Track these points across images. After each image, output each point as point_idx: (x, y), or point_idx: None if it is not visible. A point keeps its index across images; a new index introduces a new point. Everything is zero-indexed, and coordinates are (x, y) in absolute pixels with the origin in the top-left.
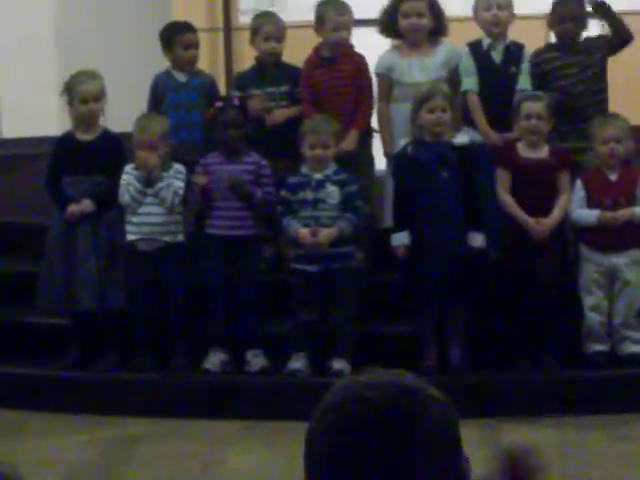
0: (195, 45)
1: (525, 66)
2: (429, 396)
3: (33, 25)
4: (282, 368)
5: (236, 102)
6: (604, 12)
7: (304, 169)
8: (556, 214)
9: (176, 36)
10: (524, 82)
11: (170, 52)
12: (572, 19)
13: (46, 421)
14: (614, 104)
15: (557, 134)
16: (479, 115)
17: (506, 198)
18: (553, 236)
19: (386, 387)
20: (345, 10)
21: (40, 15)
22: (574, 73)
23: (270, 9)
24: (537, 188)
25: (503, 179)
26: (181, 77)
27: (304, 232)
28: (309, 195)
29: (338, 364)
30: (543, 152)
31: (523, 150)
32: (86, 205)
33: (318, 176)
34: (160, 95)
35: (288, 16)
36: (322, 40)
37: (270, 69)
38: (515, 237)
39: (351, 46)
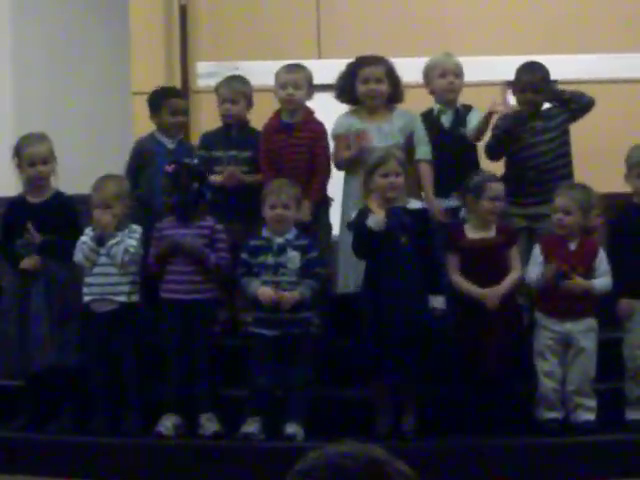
0: (183, 111)
1: (474, 115)
2: (398, 470)
3: None
4: (235, 432)
5: (169, 169)
6: (564, 100)
7: (265, 232)
8: (506, 283)
9: (163, 100)
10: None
11: (156, 116)
12: (533, 89)
13: None
14: (584, 172)
15: (520, 200)
16: (428, 184)
17: (456, 278)
18: (504, 307)
19: (358, 457)
20: (295, 69)
21: None
22: (534, 138)
23: (235, 72)
24: (487, 267)
25: (452, 262)
26: (169, 143)
27: (264, 289)
28: (270, 259)
29: (291, 428)
30: (491, 231)
31: (471, 231)
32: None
33: (279, 240)
34: (145, 159)
35: (255, 80)
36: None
37: (235, 132)
38: (465, 309)
39: (311, 112)
